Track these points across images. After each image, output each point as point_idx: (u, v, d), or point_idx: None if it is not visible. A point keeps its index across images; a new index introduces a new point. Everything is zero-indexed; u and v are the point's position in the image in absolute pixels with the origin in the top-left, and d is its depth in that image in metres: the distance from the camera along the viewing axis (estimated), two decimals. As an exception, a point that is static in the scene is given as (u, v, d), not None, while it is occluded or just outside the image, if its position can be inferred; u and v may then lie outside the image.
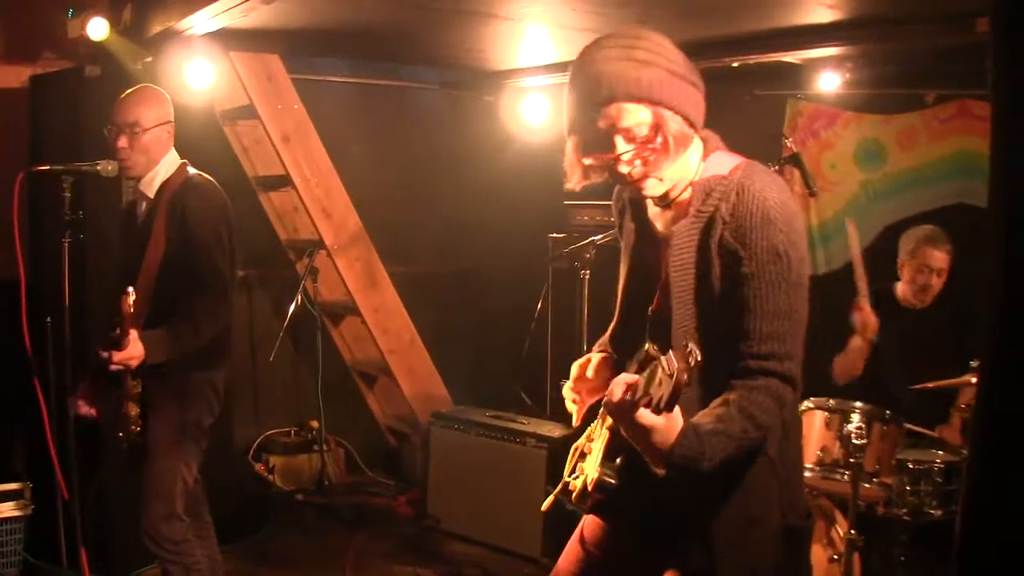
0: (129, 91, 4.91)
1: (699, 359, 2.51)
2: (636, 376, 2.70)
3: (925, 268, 5.99)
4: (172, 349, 4.63)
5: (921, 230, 6.13)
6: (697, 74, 2.92)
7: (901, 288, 6.19)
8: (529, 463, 6.83)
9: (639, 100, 2.77)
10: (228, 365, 5.07)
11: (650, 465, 2.74)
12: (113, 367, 4.55)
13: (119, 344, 4.49)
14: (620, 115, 2.79)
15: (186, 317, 4.67)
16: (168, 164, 4.93)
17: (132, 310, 4.49)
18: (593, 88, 2.80)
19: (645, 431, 2.64)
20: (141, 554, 6.04)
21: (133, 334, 4.53)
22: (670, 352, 2.54)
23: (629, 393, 2.66)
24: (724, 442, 2.71)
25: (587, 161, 2.94)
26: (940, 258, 6.00)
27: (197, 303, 4.71)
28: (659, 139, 2.81)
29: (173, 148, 5.00)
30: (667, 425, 2.64)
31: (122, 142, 4.80)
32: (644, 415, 2.61)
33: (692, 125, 2.88)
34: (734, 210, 2.81)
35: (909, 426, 5.61)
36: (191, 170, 4.98)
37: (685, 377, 2.49)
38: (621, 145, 2.83)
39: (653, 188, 2.93)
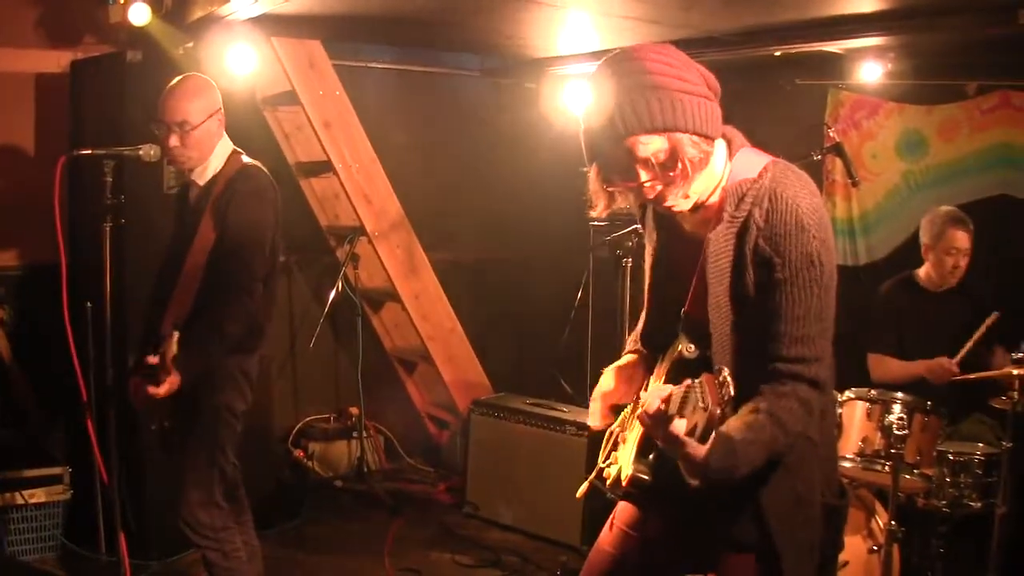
0: (172, 84, 4.79)
1: (732, 394, 2.52)
2: (670, 388, 2.74)
3: (952, 250, 6.06)
4: (203, 363, 4.57)
5: (942, 212, 6.21)
6: (710, 80, 2.92)
7: (924, 271, 6.23)
8: (569, 451, 6.80)
9: (653, 131, 2.77)
10: (261, 350, 5.01)
11: (684, 474, 2.75)
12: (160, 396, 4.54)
13: (156, 379, 4.47)
14: (636, 147, 2.80)
15: (211, 323, 4.59)
16: (221, 153, 4.86)
17: (174, 352, 4.45)
18: (607, 122, 2.81)
19: (678, 443, 2.66)
20: (179, 540, 6.06)
21: (172, 370, 4.50)
22: (704, 379, 2.59)
23: (663, 406, 2.70)
24: (756, 451, 2.76)
25: (610, 189, 2.96)
26: (964, 238, 6.11)
27: (221, 305, 4.63)
28: (678, 165, 2.81)
29: (225, 135, 4.92)
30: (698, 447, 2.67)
31: (173, 141, 4.70)
32: (678, 427, 2.64)
33: (710, 138, 2.87)
34: (767, 216, 2.82)
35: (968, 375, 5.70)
36: (245, 159, 4.91)
37: (719, 412, 2.53)
38: (641, 174, 2.84)
39: (681, 205, 2.94)
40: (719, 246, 2.88)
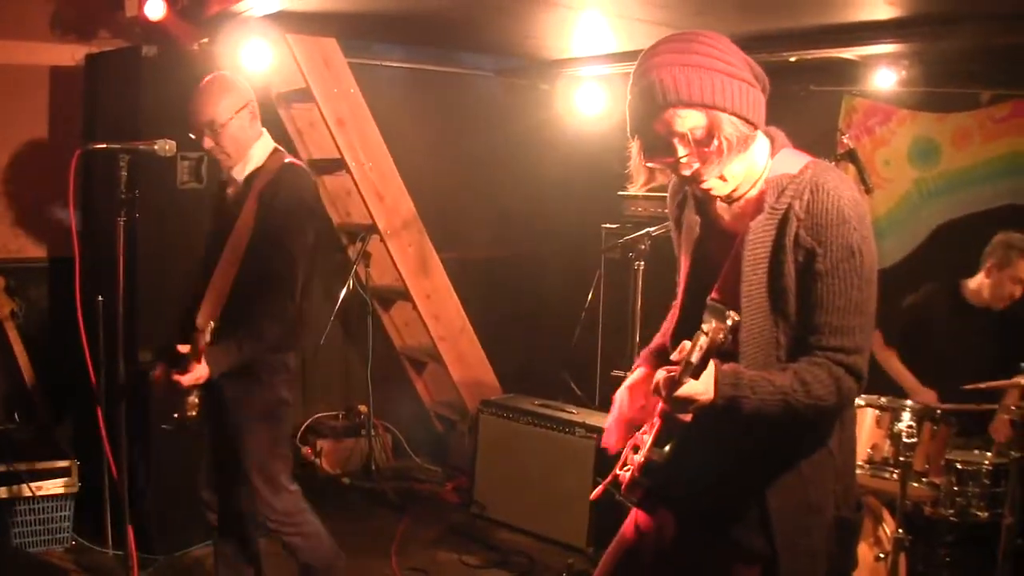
0: (198, 88, 4.79)
1: (736, 319, 2.64)
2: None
3: (1017, 279, 6.09)
4: (235, 360, 4.59)
5: (1014, 239, 6.15)
6: (757, 71, 2.94)
7: (977, 284, 6.23)
8: (577, 453, 6.81)
9: (691, 105, 2.79)
10: (299, 347, 5.03)
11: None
12: (184, 384, 4.56)
13: (185, 366, 4.50)
14: (674, 120, 2.82)
15: (250, 323, 4.62)
16: (260, 150, 4.86)
17: (207, 344, 4.48)
18: (649, 95, 2.83)
19: (688, 402, 2.74)
20: (185, 534, 6.07)
21: (201, 361, 4.55)
22: (714, 323, 2.67)
23: (678, 354, 2.74)
24: (766, 387, 2.79)
25: (650, 164, 2.97)
26: None
27: (262, 306, 4.65)
28: (714, 142, 2.82)
29: (265, 132, 4.92)
30: (706, 387, 2.74)
31: (207, 143, 4.73)
32: (684, 390, 2.70)
33: (751, 123, 2.88)
34: (808, 208, 2.85)
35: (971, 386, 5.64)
36: (287, 159, 4.89)
37: (721, 336, 2.62)
38: (678, 148, 2.85)
39: (718, 188, 2.96)
40: (757, 235, 2.90)
